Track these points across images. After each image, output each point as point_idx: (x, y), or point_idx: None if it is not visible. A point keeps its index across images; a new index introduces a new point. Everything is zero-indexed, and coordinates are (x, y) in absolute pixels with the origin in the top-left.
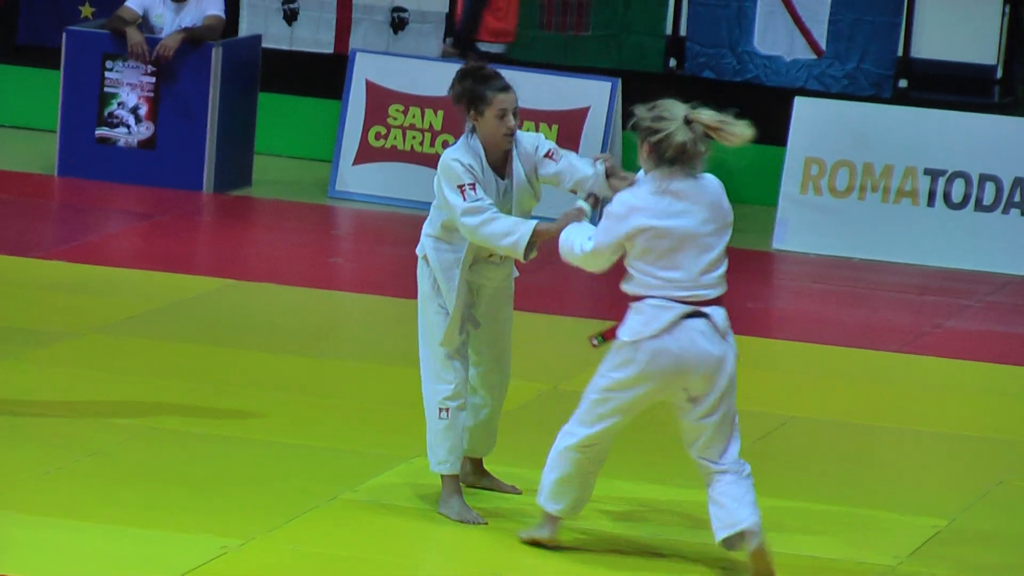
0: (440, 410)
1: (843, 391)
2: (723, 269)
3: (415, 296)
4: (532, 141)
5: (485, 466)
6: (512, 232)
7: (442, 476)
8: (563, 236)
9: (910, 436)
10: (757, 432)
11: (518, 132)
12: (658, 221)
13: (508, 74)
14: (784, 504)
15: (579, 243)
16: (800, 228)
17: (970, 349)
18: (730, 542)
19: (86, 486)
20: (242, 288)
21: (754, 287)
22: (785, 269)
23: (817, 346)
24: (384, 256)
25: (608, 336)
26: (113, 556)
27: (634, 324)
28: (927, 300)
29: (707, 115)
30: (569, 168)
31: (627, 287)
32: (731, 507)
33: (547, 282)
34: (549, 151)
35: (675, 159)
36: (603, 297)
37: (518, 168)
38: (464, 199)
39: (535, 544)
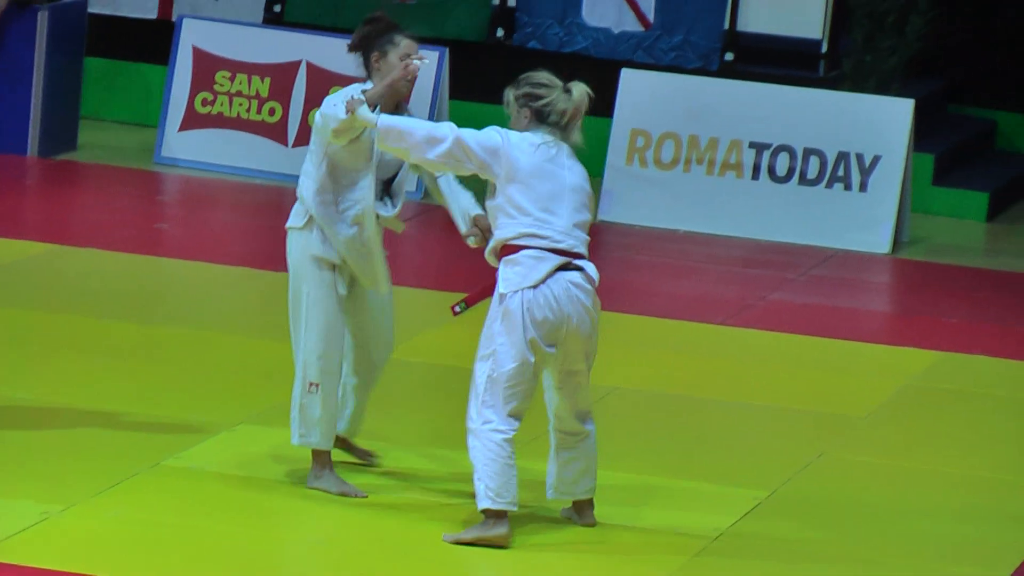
0: (311, 384)
1: (668, 363)
2: (587, 239)
3: (241, 263)
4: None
5: None
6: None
7: (313, 451)
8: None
9: (734, 408)
10: None
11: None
12: (544, 161)
13: (328, 41)
14: (606, 475)
15: (433, 128)
16: (626, 199)
17: (794, 322)
18: (569, 510)
19: None
20: (67, 253)
21: None
22: (610, 240)
23: (642, 317)
24: (210, 223)
25: (471, 301)
26: None
27: (512, 276)
28: (752, 273)
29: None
30: (448, 186)
31: (501, 232)
32: (579, 478)
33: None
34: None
35: (557, 123)
36: (428, 265)
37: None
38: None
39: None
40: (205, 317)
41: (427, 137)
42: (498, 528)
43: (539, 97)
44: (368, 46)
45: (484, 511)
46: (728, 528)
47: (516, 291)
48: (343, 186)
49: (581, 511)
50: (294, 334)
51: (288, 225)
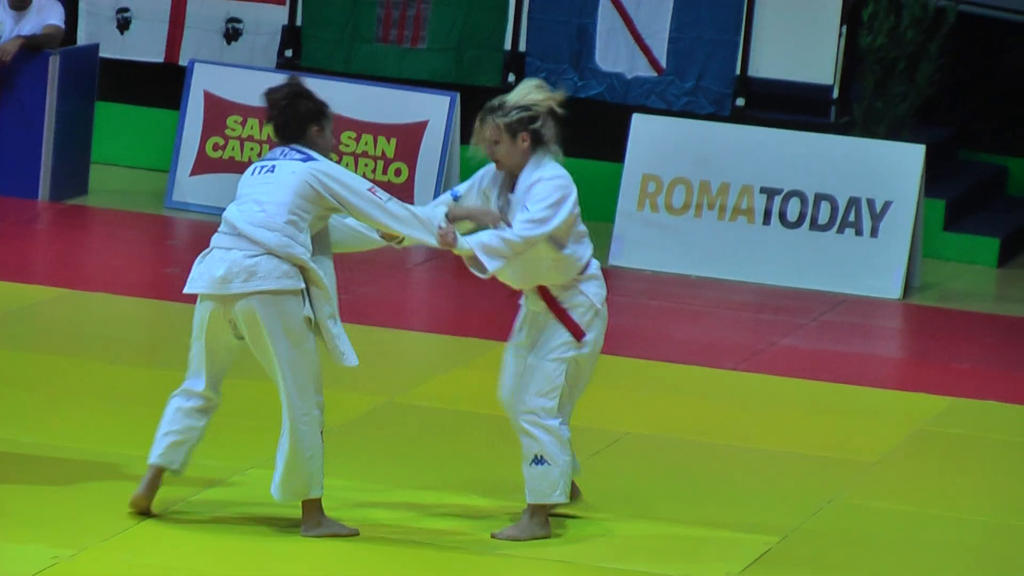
0: (321, 432)
1: (678, 408)
2: None
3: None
4: None
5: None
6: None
7: (315, 500)
8: (478, 237)
9: (745, 454)
10: (591, 448)
11: None
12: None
13: (339, 86)
14: (617, 521)
15: (511, 233)
16: (636, 245)
17: (804, 367)
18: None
19: None
20: (77, 298)
21: None
22: (621, 285)
23: (653, 363)
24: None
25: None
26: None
27: (597, 290)
28: (763, 318)
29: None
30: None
31: (576, 255)
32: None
33: (381, 295)
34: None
35: (551, 141)
36: (440, 310)
37: None
38: (381, 197)
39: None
40: None
41: (527, 240)
42: (548, 526)
43: (534, 119)
44: (310, 119)
45: (550, 506)
46: (739, 573)
47: (603, 305)
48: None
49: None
50: (302, 391)
51: (280, 287)
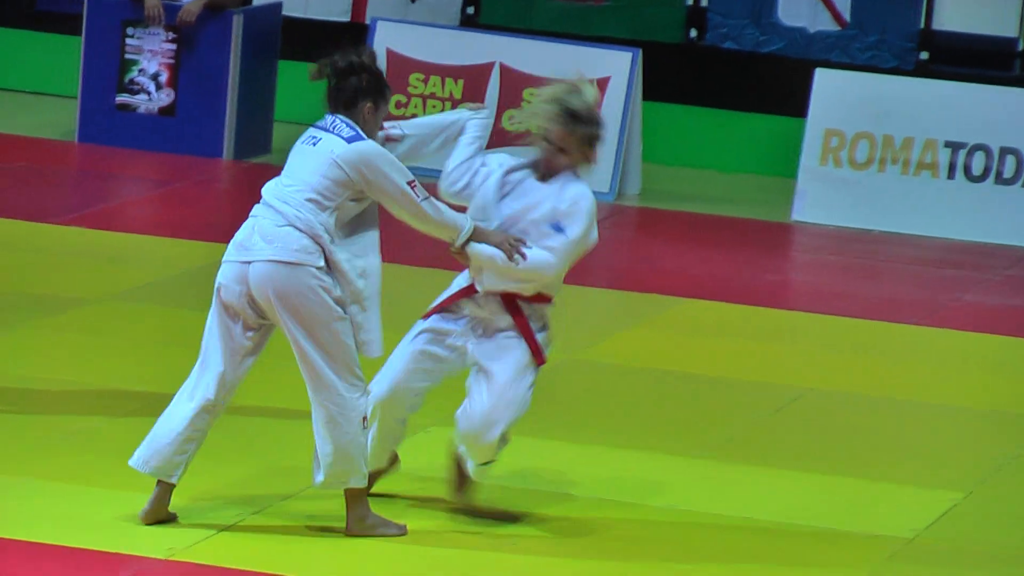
0: (364, 419)
1: (860, 363)
2: None
3: (423, 263)
4: None
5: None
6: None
7: (359, 490)
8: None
9: (927, 409)
10: (773, 404)
11: None
12: None
13: (520, 42)
14: (800, 476)
15: (547, 252)
16: (819, 200)
17: (987, 322)
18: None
19: (97, 453)
20: None
21: (772, 259)
22: (803, 241)
23: (835, 318)
24: (403, 226)
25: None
26: (124, 524)
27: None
28: (945, 273)
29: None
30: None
31: (549, 291)
32: None
33: None
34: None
35: None
36: (621, 267)
37: None
38: (418, 194)
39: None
40: (399, 320)
41: (556, 269)
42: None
43: (600, 134)
44: (362, 94)
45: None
46: (924, 530)
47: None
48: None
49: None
50: (329, 374)
51: (297, 260)
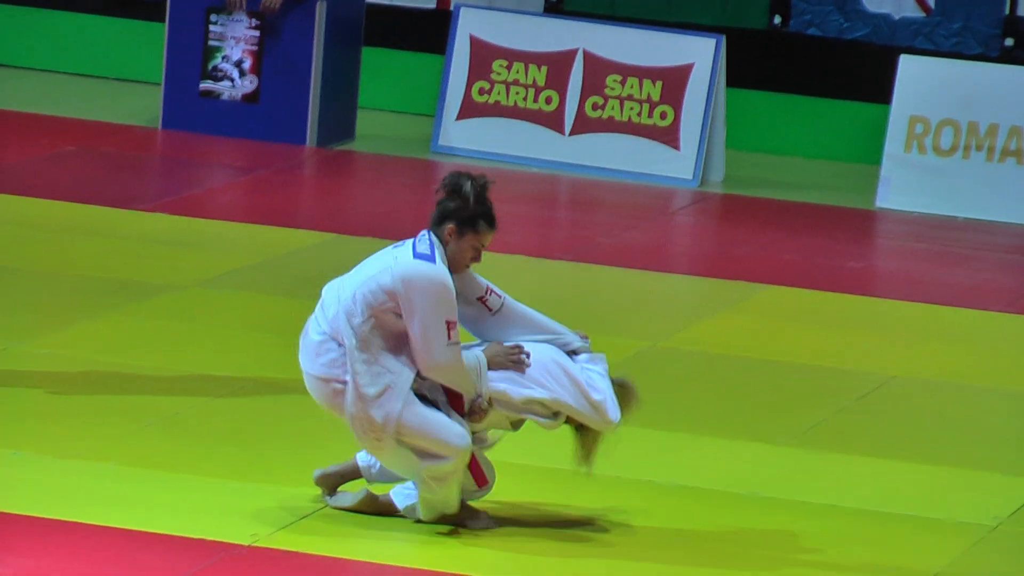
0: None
1: (945, 351)
2: None
3: (519, 251)
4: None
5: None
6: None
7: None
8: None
9: (1011, 397)
10: (858, 391)
11: None
12: None
13: (604, 29)
14: (885, 464)
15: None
16: (903, 187)
17: None
18: None
19: (186, 440)
20: (344, 242)
21: (856, 246)
22: (888, 228)
23: (919, 305)
24: None
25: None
26: (215, 509)
27: None
28: None
29: None
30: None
31: None
32: None
33: (645, 240)
34: (486, 293)
35: None
36: (704, 253)
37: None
38: (449, 337)
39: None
40: None
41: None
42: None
43: None
44: (449, 218)
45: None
46: (1007, 517)
47: None
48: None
49: None
50: (415, 460)
51: (328, 376)
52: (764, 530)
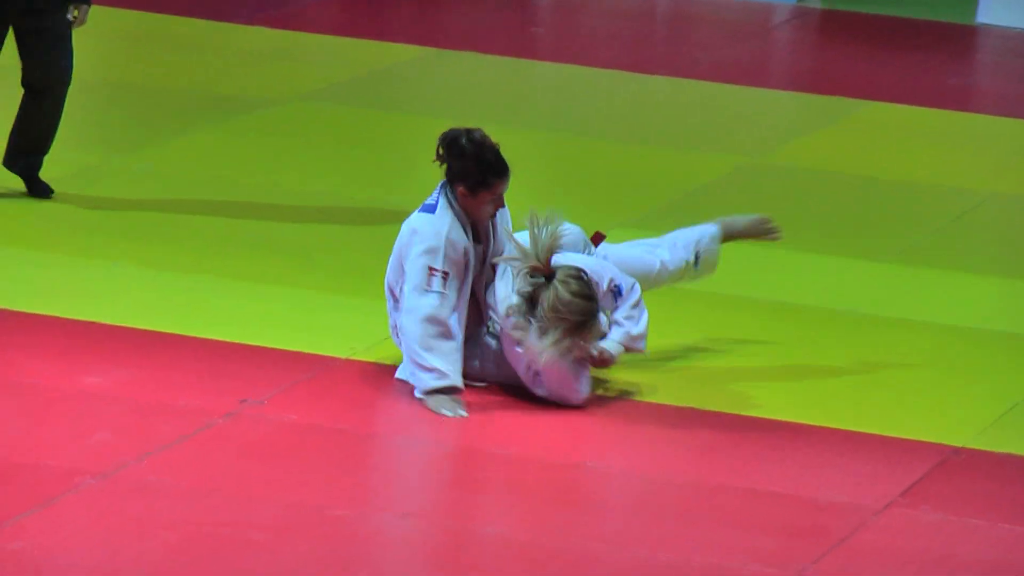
0: None
1: None
2: None
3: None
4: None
5: None
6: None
7: None
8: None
9: None
10: (956, 209)
11: None
12: None
13: None
14: (983, 281)
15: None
16: (1005, 1)
17: None
18: None
19: (278, 254)
20: (442, 56)
21: (955, 62)
22: (988, 43)
23: (1018, 121)
24: (582, 26)
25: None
26: (312, 324)
27: None
28: None
29: None
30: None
31: None
32: None
33: (743, 55)
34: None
35: None
36: (804, 68)
37: (500, 232)
38: (429, 284)
39: None
40: (574, 121)
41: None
42: None
43: None
44: (456, 178)
45: None
46: None
47: None
48: None
49: None
50: None
51: None
52: (863, 344)
